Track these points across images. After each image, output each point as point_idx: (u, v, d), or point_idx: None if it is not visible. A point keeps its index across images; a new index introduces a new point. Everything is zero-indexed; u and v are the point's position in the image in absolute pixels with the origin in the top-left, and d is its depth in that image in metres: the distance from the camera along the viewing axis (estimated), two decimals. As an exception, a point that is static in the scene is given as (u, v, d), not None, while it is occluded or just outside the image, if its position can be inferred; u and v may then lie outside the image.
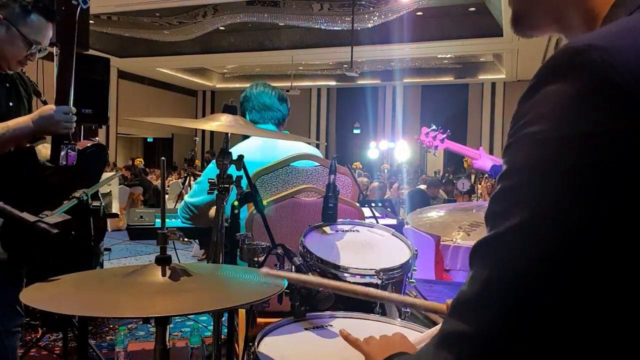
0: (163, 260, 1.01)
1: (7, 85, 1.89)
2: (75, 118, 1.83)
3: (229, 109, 1.40)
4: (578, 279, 0.48)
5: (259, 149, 2.10)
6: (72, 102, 1.83)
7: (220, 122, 1.36)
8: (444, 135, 2.62)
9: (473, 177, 10.85)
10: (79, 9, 1.79)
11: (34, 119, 1.75)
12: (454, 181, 10.13)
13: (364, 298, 1.07)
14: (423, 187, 8.45)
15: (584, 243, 0.48)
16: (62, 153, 1.81)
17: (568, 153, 0.49)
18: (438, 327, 1.08)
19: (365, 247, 1.63)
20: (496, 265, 0.52)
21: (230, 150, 1.41)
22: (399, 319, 1.37)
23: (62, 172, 1.82)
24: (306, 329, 1.27)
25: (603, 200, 0.48)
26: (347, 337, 0.98)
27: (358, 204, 2.05)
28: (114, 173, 8.02)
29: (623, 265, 0.48)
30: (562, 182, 0.49)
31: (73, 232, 1.78)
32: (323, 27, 12.35)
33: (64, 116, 1.78)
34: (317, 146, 2.44)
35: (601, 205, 0.48)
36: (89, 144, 1.93)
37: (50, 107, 1.78)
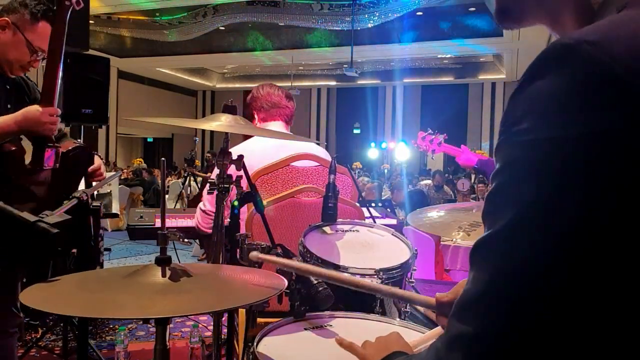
0: (163, 261, 1.01)
1: (8, 87, 1.89)
2: (59, 120, 1.80)
3: (229, 109, 1.40)
4: (571, 275, 0.48)
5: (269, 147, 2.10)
6: (57, 103, 1.79)
7: (220, 122, 1.36)
8: (441, 139, 2.63)
9: (473, 176, 10.86)
10: (70, 9, 1.75)
11: (17, 119, 1.71)
12: (455, 181, 10.16)
13: (355, 288, 1.07)
14: (427, 182, 8.57)
15: (574, 241, 0.48)
16: (44, 154, 1.76)
17: (560, 152, 0.49)
18: (438, 329, 1.08)
19: (365, 247, 1.63)
20: (494, 265, 0.53)
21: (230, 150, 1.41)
22: (398, 319, 1.37)
23: (42, 173, 1.77)
24: (306, 329, 1.27)
25: (595, 199, 0.47)
26: (341, 343, 0.98)
27: (358, 204, 2.05)
28: (114, 173, 8.01)
29: (618, 260, 0.48)
30: (553, 181, 0.49)
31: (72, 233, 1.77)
32: (323, 27, 12.35)
33: (49, 118, 1.74)
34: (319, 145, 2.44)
35: (593, 205, 0.47)
36: (71, 147, 1.89)
37: (36, 108, 1.74)
